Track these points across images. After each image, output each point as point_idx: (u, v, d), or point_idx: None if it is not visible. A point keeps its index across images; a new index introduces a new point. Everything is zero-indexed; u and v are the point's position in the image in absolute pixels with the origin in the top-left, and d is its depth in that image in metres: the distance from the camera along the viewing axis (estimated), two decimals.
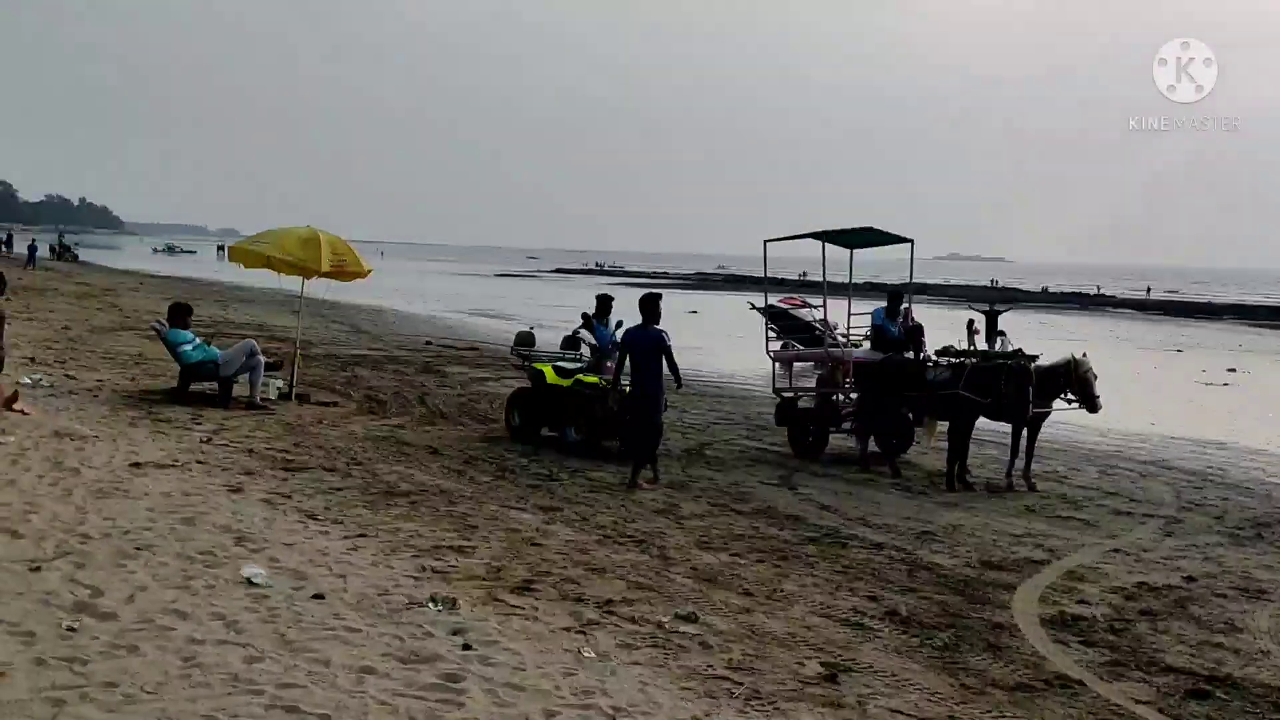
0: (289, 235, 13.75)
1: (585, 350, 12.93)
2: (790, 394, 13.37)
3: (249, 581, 5.87)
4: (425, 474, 9.88)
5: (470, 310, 43.01)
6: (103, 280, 44.18)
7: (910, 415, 12.29)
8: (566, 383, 12.13)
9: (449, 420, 13.65)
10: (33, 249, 54.93)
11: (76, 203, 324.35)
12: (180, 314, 13.07)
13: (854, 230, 13.58)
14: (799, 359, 13.62)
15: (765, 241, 14.42)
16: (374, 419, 13.15)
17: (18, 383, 12.48)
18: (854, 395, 12.74)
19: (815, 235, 13.36)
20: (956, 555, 8.32)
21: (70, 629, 4.87)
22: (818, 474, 11.57)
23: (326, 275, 13.75)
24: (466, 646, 5.26)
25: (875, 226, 13.55)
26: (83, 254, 73.74)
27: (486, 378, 18.33)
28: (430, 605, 5.83)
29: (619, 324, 13.59)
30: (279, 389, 13.88)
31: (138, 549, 6.28)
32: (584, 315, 13.49)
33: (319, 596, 5.77)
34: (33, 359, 15.11)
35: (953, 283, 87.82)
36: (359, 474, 9.50)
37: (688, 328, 26.08)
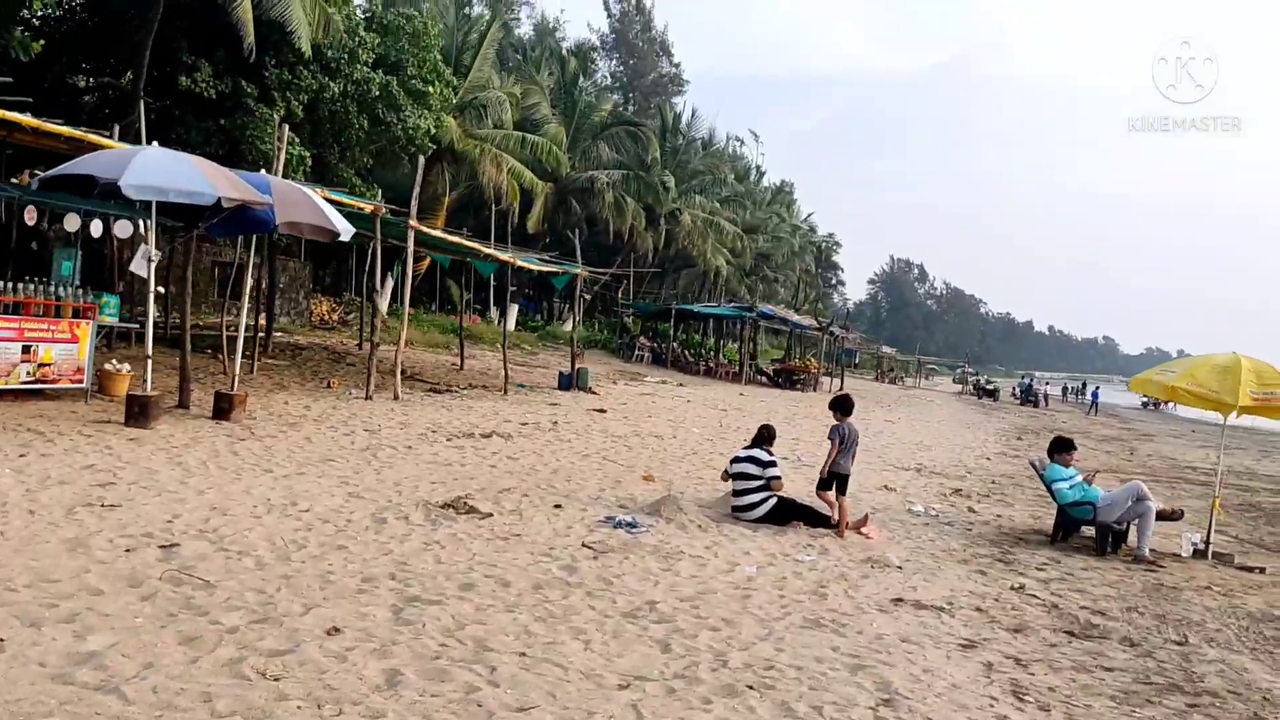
0: (1203, 364, 11.67)
1: None
2: None
3: None
4: (1266, 670, 7.06)
5: None
6: (1113, 428, 43.45)
7: None
8: None
9: None
10: (1096, 395, 57.81)
11: (1174, 354, 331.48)
12: (1061, 448, 11.81)
13: None
14: None
15: None
16: None
17: (908, 509, 12.71)
18: None
19: None
20: None
21: None
22: None
23: (1247, 410, 11.24)
24: None
25: None
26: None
27: None
28: None
29: None
30: (1193, 544, 11.69)
31: (750, 686, 5.57)
32: None
33: None
34: (957, 490, 15.30)
35: None
36: (1165, 656, 7.18)
37: None
